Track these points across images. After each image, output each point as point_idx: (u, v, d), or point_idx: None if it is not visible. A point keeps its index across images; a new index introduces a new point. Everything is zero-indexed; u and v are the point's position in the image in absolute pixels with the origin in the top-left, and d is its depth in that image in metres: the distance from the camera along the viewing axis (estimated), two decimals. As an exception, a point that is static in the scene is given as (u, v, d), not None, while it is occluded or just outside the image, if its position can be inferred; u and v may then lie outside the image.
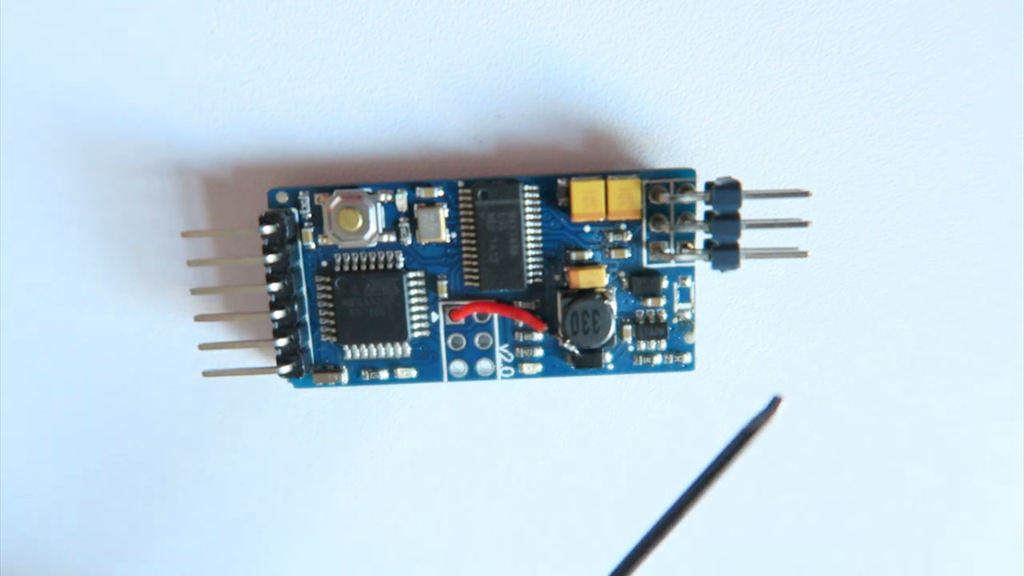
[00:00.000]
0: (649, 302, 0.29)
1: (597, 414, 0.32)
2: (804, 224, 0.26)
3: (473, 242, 0.28)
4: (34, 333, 0.32)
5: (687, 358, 0.30)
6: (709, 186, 0.26)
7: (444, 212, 0.28)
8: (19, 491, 0.34)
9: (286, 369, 0.29)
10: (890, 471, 0.33)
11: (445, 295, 0.29)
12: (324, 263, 0.29)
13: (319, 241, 0.29)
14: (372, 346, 0.29)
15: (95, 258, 0.31)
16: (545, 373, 0.30)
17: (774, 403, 0.22)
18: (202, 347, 0.30)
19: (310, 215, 0.29)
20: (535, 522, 0.34)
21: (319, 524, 0.34)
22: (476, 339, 0.30)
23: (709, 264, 0.26)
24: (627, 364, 0.30)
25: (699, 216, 0.28)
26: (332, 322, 0.29)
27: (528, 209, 0.28)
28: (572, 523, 0.34)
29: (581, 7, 0.28)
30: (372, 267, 0.29)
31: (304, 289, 0.29)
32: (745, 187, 0.26)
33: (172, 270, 0.31)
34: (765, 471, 0.33)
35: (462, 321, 0.29)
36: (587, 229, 0.29)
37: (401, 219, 0.29)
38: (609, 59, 0.29)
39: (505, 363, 0.30)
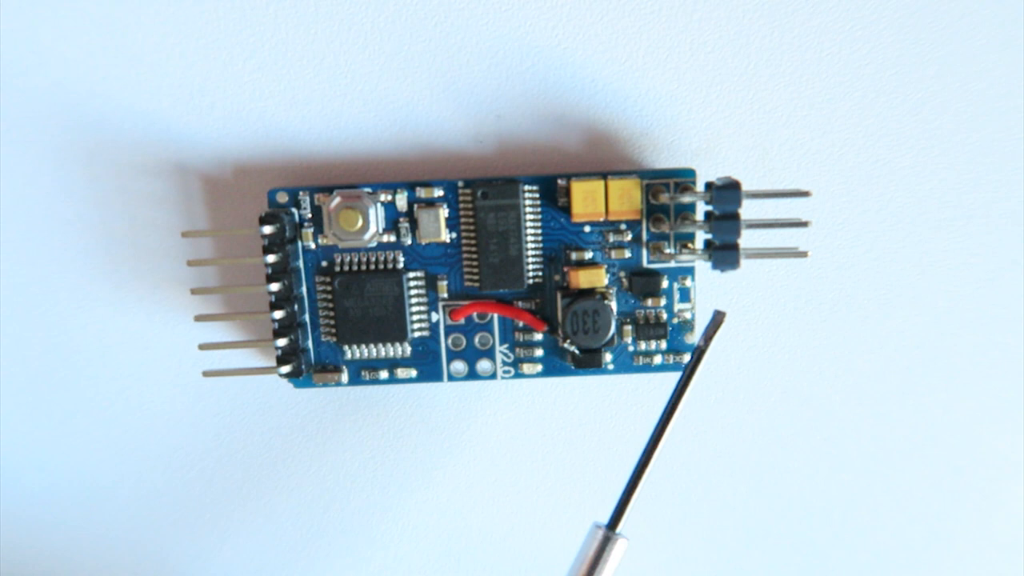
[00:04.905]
0: (649, 302, 0.29)
1: (597, 414, 0.32)
2: (804, 224, 0.26)
3: (473, 242, 0.28)
4: (34, 333, 0.32)
5: (687, 358, 0.30)
6: (709, 186, 0.26)
7: (444, 212, 0.28)
8: (19, 491, 0.34)
9: (286, 369, 0.29)
10: (890, 471, 0.33)
11: (445, 295, 0.29)
12: (324, 263, 0.29)
13: (319, 241, 0.29)
14: (372, 346, 0.29)
15: (95, 258, 0.31)
16: (545, 373, 0.30)
17: (716, 318, 0.26)
18: (202, 347, 0.30)
19: (310, 215, 0.29)
20: (535, 522, 0.34)
21: (318, 524, 0.34)
22: (476, 339, 0.30)
23: (709, 264, 0.26)
24: (627, 364, 0.30)
25: (699, 216, 0.28)
26: (332, 322, 0.29)
27: (528, 209, 0.28)
28: (572, 523, 0.34)
29: (581, 7, 0.28)
30: (372, 267, 0.29)
31: (304, 289, 0.29)
32: (745, 187, 0.26)
33: (172, 270, 0.31)
34: (765, 470, 0.33)
35: (462, 321, 0.29)
36: (587, 229, 0.29)
37: (401, 219, 0.29)
38: (609, 59, 0.29)
39: (505, 363, 0.30)
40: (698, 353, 0.26)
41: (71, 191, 0.30)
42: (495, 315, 0.29)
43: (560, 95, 0.29)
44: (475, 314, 0.29)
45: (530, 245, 0.28)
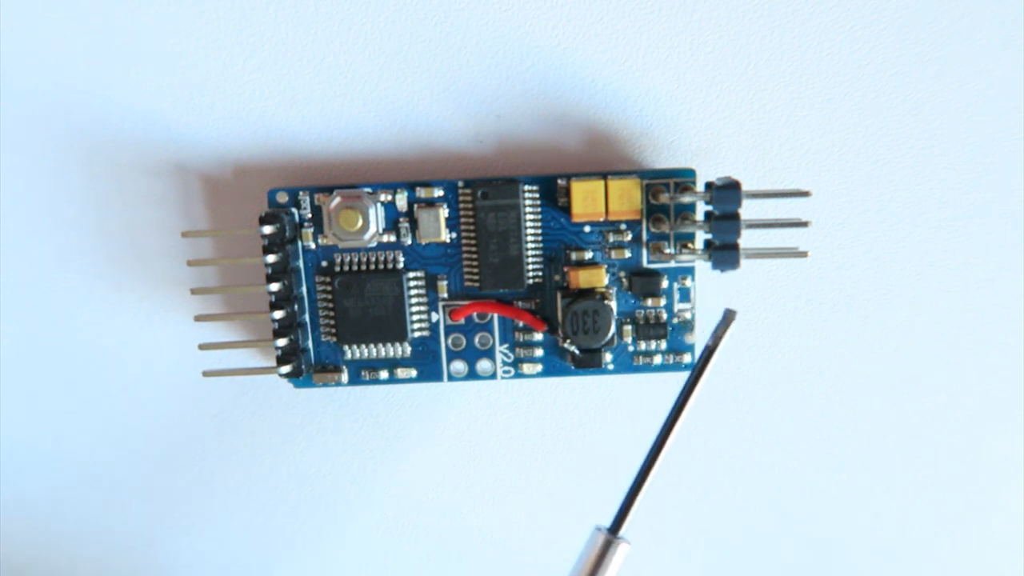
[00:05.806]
0: (649, 302, 0.29)
1: (597, 414, 0.32)
2: (804, 224, 0.26)
3: (473, 242, 0.28)
4: (34, 333, 0.32)
5: (687, 358, 0.30)
6: (709, 186, 0.26)
7: (444, 212, 0.28)
8: (19, 490, 0.34)
9: (286, 369, 0.29)
10: (890, 471, 0.33)
11: (445, 295, 0.29)
12: (324, 263, 0.29)
13: (319, 241, 0.29)
14: (372, 346, 0.29)
15: (95, 258, 0.31)
16: (545, 373, 0.30)
17: (727, 316, 0.26)
18: (202, 347, 0.30)
19: (310, 215, 0.29)
20: (535, 522, 0.34)
21: (319, 524, 0.34)
22: (476, 339, 0.30)
23: (709, 264, 0.26)
24: (627, 364, 0.30)
25: (699, 216, 0.28)
26: (332, 322, 0.29)
27: (528, 209, 0.28)
28: (573, 523, 0.34)
29: (581, 7, 0.28)
30: (372, 267, 0.29)
31: (304, 289, 0.29)
32: (745, 187, 0.26)
33: (172, 270, 0.31)
34: (766, 470, 0.33)
35: (462, 321, 0.29)
36: (587, 229, 0.29)
37: (401, 219, 0.29)
38: (609, 59, 0.29)
39: (505, 363, 0.30)
40: (707, 353, 0.26)
41: (71, 191, 0.30)
42: (495, 315, 0.29)
43: (560, 95, 0.29)
44: (475, 314, 0.29)
45: (530, 245, 0.28)
